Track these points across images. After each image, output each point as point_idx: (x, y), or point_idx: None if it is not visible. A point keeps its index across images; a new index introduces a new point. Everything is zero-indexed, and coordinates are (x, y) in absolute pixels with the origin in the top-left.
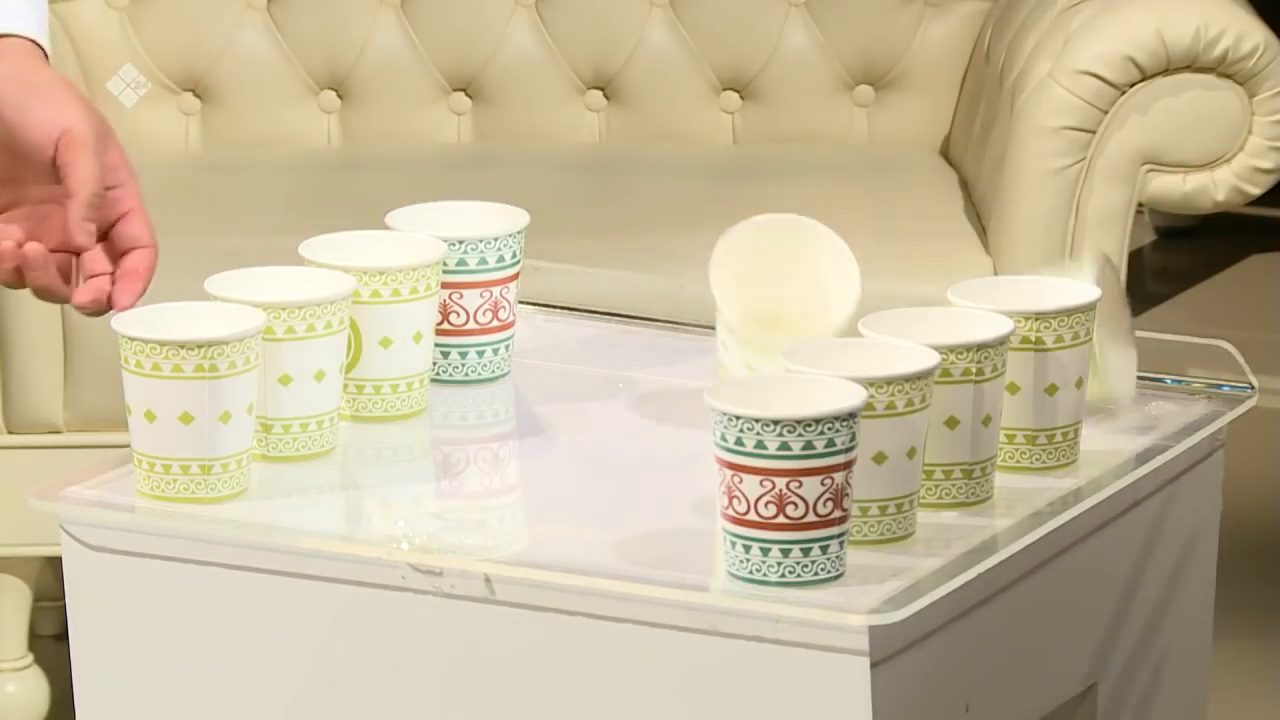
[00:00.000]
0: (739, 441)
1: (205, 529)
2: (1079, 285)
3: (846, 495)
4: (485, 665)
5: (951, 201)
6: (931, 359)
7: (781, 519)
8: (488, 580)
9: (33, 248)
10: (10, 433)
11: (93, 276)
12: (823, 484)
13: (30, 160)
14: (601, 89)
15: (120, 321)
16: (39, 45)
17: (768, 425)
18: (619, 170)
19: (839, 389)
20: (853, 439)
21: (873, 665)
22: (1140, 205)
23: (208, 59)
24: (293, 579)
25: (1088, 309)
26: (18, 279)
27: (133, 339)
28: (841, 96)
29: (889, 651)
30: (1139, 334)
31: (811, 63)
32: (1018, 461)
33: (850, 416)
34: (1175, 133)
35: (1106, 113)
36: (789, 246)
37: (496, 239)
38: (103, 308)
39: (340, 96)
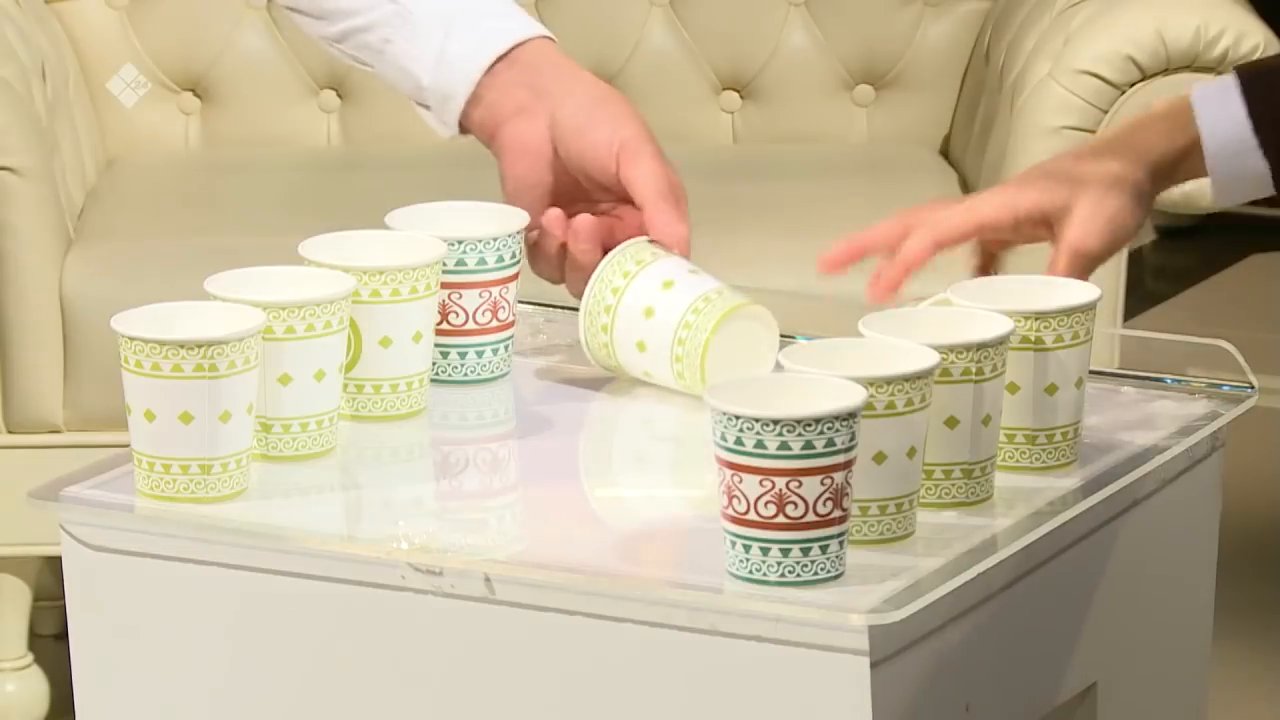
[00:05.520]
0: (739, 441)
1: (205, 529)
2: (1080, 285)
3: (846, 495)
4: (485, 665)
5: None
6: (931, 359)
7: (781, 519)
8: (488, 580)
9: (582, 218)
10: (10, 432)
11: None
12: (822, 484)
13: (596, 179)
14: None
15: (120, 321)
16: (549, 39)
17: (767, 425)
18: None
19: (839, 389)
20: (852, 439)
21: (872, 665)
22: None
23: (208, 59)
24: (293, 579)
25: (1088, 309)
26: (557, 266)
27: (132, 339)
28: (841, 96)
29: (889, 651)
30: (1138, 333)
31: (811, 62)
32: (1018, 461)
33: (850, 416)
34: None
35: (1106, 112)
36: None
37: (496, 239)
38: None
39: (340, 96)
